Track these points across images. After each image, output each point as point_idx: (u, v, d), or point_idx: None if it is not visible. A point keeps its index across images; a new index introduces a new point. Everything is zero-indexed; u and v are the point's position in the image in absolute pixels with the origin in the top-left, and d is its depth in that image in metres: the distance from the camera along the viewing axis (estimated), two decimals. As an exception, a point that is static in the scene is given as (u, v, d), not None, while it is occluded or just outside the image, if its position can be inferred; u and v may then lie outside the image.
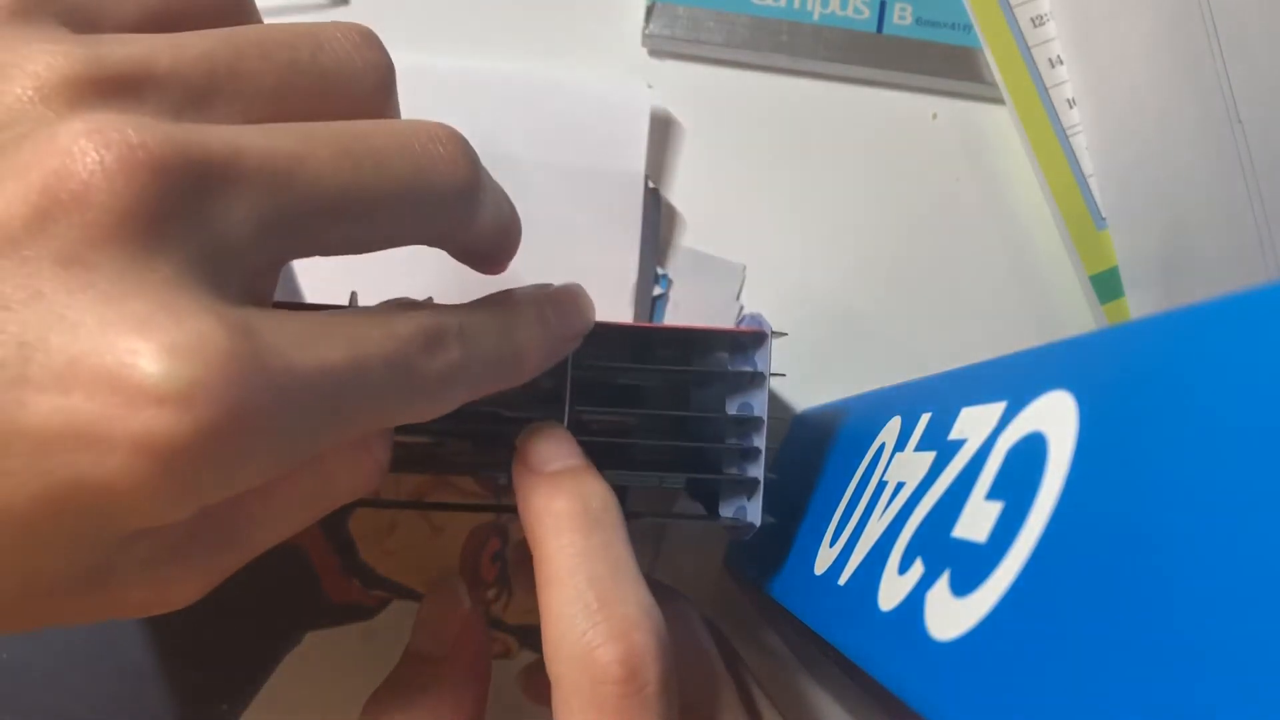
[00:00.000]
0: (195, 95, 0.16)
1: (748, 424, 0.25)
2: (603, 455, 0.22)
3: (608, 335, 0.23)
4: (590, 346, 0.23)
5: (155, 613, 0.17)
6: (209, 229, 0.15)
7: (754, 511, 0.25)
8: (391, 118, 0.19)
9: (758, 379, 0.25)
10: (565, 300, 0.22)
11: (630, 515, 0.21)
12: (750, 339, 0.25)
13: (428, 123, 0.18)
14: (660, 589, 0.20)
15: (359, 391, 0.16)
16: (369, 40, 0.18)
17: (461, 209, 0.18)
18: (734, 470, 0.25)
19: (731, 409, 0.26)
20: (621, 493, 0.21)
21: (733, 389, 0.26)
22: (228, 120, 0.16)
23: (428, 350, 0.17)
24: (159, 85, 0.15)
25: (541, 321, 0.21)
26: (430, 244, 0.19)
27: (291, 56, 0.17)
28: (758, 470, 0.25)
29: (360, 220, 0.17)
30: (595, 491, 0.20)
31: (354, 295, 0.24)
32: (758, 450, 0.25)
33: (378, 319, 0.17)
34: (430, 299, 0.20)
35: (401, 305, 0.18)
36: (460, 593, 0.25)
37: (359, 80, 0.18)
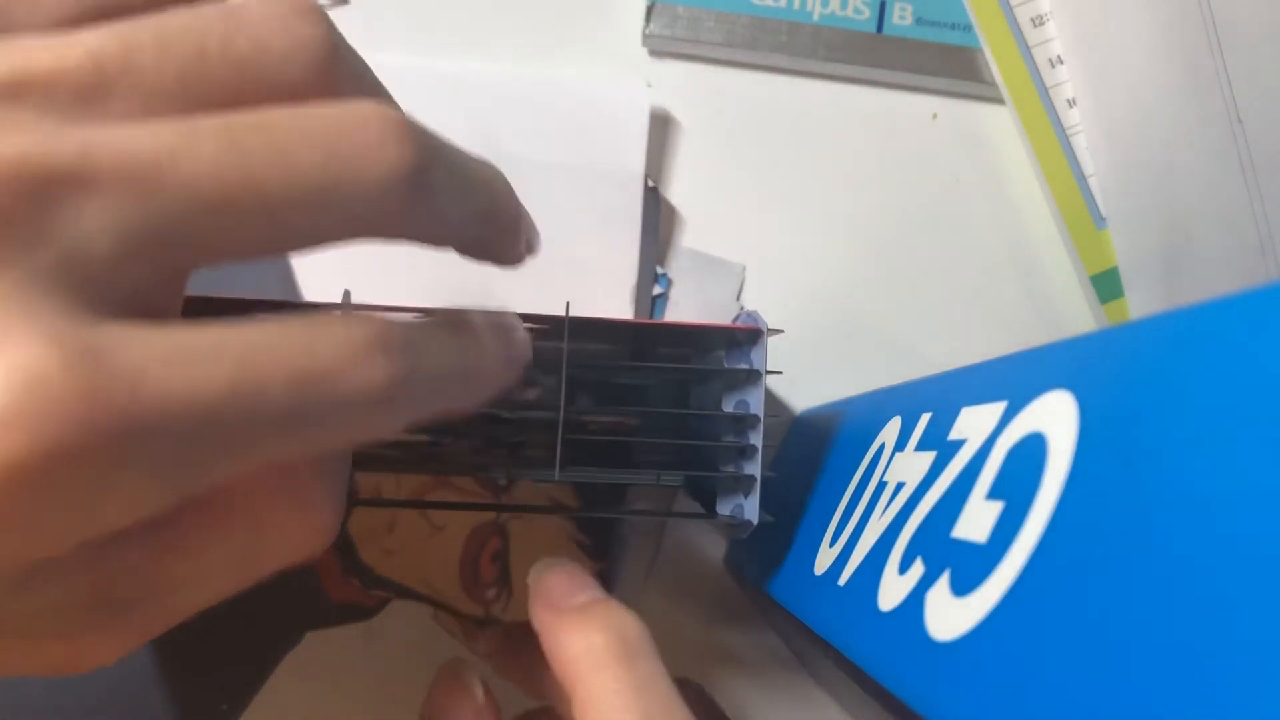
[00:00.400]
0: (83, 96, 0.14)
1: (744, 421, 0.25)
2: (600, 454, 0.22)
3: (603, 332, 0.23)
4: (586, 344, 0.22)
5: (74, 671, 0.16)
6: (57, 241, 0.13)
7: (751, 509, 0.25)
8: (341, 98, 0.16)
9: (754, 376, 0.25)
10: (512, 325, 0.20)
11: (629, 513, 0.21)
12: (746, 336, 0.25)
13: (357, 104, 0.16)
14: (681, 686, 0.20)
15: (251, 415, 0.14)
16: (302, 13, 0.16)
17: (399, 198, 0.16)
18: (731, 468, 0.25)
19: (728, 406, 0.26)
20: (620, 491, 0.21)
21: (729, 386, 0.26)
22: (126, 120, 0.15)
23: (366, 362, 0.15)
24: (40, 89, 0.14)
25: (497, 340, 0.19)
26: (380, 240, 0.17)
27: (198, 45, 0.15)
28: (754, 468, 0.25)
29: (259, 221, 0.15)
30: (628, 622, 0.20)
31: (347, 294, 0.24)
32: (754, 448, 0.25)
33: (295, 330, 0.15)
34: (384, 309, 0.18)
35: (341, 316, 0.16)
36: (471, 684, 0.23)
37: (286, 63, 0.16)
